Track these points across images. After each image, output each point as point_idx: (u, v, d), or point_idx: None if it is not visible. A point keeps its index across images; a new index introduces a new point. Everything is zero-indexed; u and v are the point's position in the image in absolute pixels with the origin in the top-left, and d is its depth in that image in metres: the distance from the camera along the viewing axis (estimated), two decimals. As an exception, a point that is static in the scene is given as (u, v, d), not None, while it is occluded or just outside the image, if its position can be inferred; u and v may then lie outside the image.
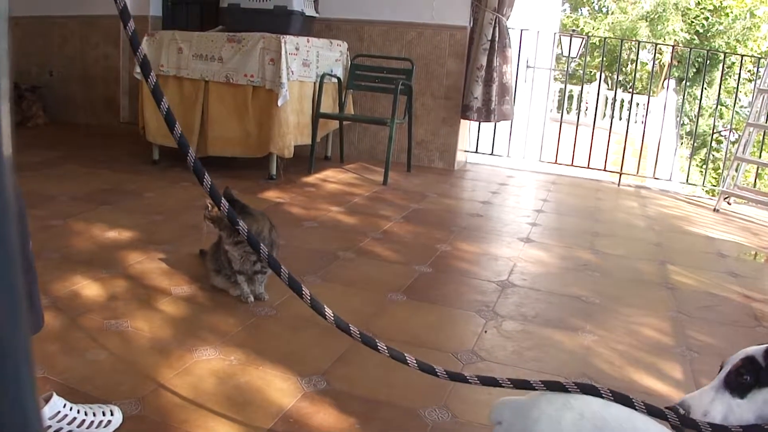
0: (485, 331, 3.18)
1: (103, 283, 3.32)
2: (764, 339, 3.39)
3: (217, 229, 3.17)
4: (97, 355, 2.62)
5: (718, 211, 6.81)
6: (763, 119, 6.90)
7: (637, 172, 8.75)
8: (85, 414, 2.08)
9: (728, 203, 7.10)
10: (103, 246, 3.89)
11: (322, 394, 2.45)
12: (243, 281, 3.22)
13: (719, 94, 10.65)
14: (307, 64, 6.03)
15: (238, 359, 2.66)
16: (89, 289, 3.24)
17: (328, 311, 1.78)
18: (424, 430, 2.32)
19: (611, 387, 1.48)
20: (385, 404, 2.46)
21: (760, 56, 14.67)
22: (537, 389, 1.50)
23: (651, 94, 11.84)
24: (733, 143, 9.63)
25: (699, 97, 15.04)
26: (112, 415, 2.14)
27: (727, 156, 7.82)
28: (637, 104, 16.66)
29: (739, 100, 16.75)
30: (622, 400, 1.43)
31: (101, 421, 2.09)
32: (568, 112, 16.92)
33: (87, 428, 2.06)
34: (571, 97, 18.06)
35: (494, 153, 7.74)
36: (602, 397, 1.43)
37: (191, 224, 4.28)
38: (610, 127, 8.13)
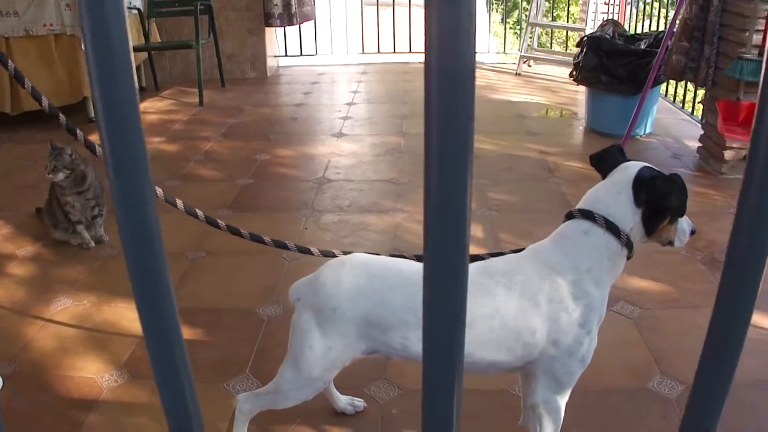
0: (305, 228, 3.64)
1: (-53, 261, 3.48)
2: (557, 188, 4.03)
3: (60, 178, 3.35)
4: (-39, 326, 2.85)
5: (519, 75, 7.42)
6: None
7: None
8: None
9: (529, 65, 7.71)
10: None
11: (170, 313, 2.83)
12: (82, 230, 3.49)
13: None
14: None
15: (91, 302, 2.99)
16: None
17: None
18: (260, 325, 2.78)
19: (418, 255, 1.90)
20: (226, 311, 2.89)
21: None
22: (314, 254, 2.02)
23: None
24: (526, 9, 10.17)
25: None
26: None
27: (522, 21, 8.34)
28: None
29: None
30: (397, 257, 1.92)
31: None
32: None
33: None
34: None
35: (304, 53, 8.04)
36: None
37: (24, 185, 4.39)
38: (409, 6, 8.46)
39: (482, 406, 2.25)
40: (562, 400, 1.75)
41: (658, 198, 1.65)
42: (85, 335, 2.75)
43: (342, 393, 2.25)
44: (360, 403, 2.25)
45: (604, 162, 1.78)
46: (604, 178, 1.77)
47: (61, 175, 3.35)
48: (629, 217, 1.67)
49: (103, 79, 0.51)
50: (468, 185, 0.59)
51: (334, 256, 2.08)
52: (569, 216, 1.75)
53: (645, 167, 1.71)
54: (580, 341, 1.66)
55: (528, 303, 1.65)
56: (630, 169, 1.70)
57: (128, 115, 0.54)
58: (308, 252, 2.29)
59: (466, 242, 0.62)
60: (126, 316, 2.86)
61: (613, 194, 1.69)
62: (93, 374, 2.48)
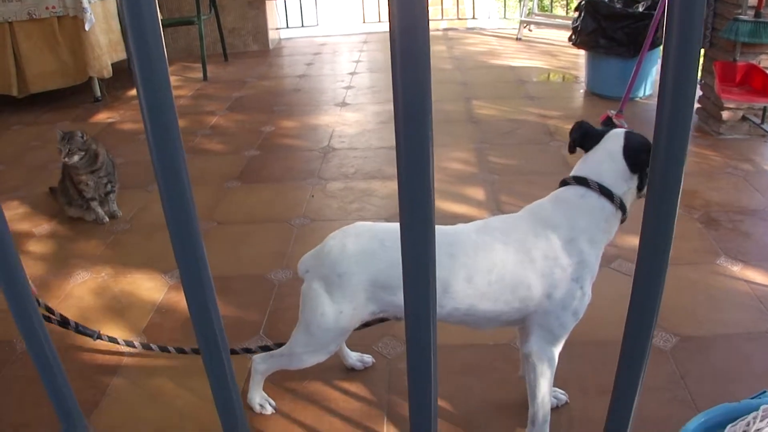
0: (312, 196, 3.74)
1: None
2: (557, 151, 4.11)
3: (75, 160, 3.46)
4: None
5: (520, 39, 7.44)
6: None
7: (457, 15, 8.81)
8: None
9: (530, 30, 7.72)
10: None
11: (185, 282, 2.93)
12: (96, 206, 3.60)
13: None
14: (105, -18, 6.10)
15: (108, 274, 3.10)
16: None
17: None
18: (272, 289, 2.88)
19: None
20: (238, 277, 2.99)
21: None
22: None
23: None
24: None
25: None
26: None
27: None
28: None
29: None
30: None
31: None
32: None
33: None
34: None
35: (305, 25, 8.07)
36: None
37: (36, 165, 4.50)
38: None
39: (483, 360, 2.36)
40: (556, 350, 1.85)
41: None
42: (105, 306, 2.86)
43: (351, 350, 2.36)
44: (369, 359, 2.36)
45: (588, 139, 1.85)
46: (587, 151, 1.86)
47: (76, 158, 3.46)
48: (622, 182, 1.76)
49: (138, 40, 0.63)
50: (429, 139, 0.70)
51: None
52: (563, 183, 1.84)
53: (629, 134, 1.80)
54: (573, 295, 1.76)
55: (524, 258, 1.75)
56: (617, 137, 1.79)
57: (158, 70, 0.65)
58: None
59: (430, 182, 0.73)
60: (143, 286, 2.97)
61: (607, 161, 1.78)
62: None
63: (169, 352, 2.41)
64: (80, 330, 2.46)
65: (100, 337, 2.46)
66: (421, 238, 0.76)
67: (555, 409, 2.08)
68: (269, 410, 2.16)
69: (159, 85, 0.66)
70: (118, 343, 2.48)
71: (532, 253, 1.75)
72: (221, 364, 0.84)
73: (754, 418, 1.39)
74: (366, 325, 1.99)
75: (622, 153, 1.76)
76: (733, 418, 1.42)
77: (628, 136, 1.78)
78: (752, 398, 1.51)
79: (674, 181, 0.76)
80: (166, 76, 0.66)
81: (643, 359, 0.90)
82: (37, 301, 1.83)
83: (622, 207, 1.77)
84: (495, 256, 1.76)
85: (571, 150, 1.90)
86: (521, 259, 1.75)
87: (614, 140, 1.79)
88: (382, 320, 2.01)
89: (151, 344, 2.46)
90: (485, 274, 1.75)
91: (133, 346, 2.48)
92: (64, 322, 2.46)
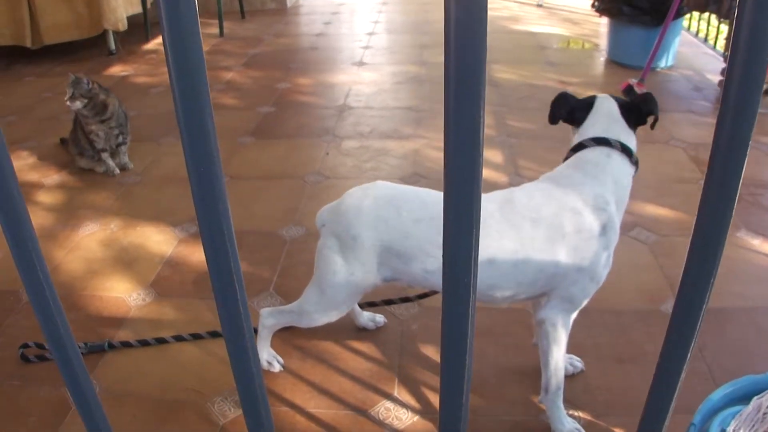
0: (327, 153, 3.68)
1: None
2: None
3: (78, 106, 3.41)
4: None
5: (541, 6, 7.33)
6: None
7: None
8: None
9: (552, -4, 7.60)
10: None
11: (195, 237, 2.91)
12: (107, 157, 3.56)
13: None
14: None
15: (118, 225, 3.07)
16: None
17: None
18: (283, 245, 2.84)
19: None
20: (249, 233, 2.95)
21: None
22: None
23: None
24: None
25: None
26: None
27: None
28: None
29: None
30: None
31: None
32: None
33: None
34: None
35: (324, -18, 7.97)
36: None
37: (47, 116, 4.47)
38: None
39: (497, 324, 2.32)
40: (571, 317, 1.80)
41: (647, 114, 1.80)
42: (113, 258, 2.83)
43: (363, 309, 2.32)
44: (381, 319, 2.32)
45: (576, 112, 1.87)
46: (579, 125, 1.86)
47: (78, 104, 3.40)
48: (631, 139, 1.79)
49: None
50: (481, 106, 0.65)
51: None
52: (579, 147, 1.80)
53: (614, 96, 1.86)
54: (600, 263, 1.71)
55: (555, 234, 1.69)
56: (609, 101, 1.84)
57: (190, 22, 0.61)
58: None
59: (479, 159, 0.67)
60: (152, 238, 2.94)
61: (612, 124, 1.80)
62: (121, 294, 2.57)
63: (174, 341, 2.35)
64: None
65: (111, 345, 2.30)
66: (466, 218, 0.71)
67: (570, 377, 2.04)
68: (277, 368, 2.13)
69: (187, 26, 0.62)
70: (131, 345, 2.34)
71: (564, 229, 1.69)
72: (239, 322, 0.80)
73: (780, 390, 1.35)
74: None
75: (620, 113, 1.80)
76: (758, 390, 1.38)
77: (616, 98, 1.84)
78: (777, 371, 1.46)
79: (737, 164, 0.72)
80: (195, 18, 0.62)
81: (693, 332, 0.86)
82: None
83: (636, 163, 1.78)
84: (523, 236, 1.70)
85: (552, 121, 1.89)
86: (552, 236, 1.69)
87: (608, 103, 1.83)
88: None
89: (147, 339, 2.31)
90: (510, 254, 1.69)
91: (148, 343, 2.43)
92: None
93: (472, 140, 0.66)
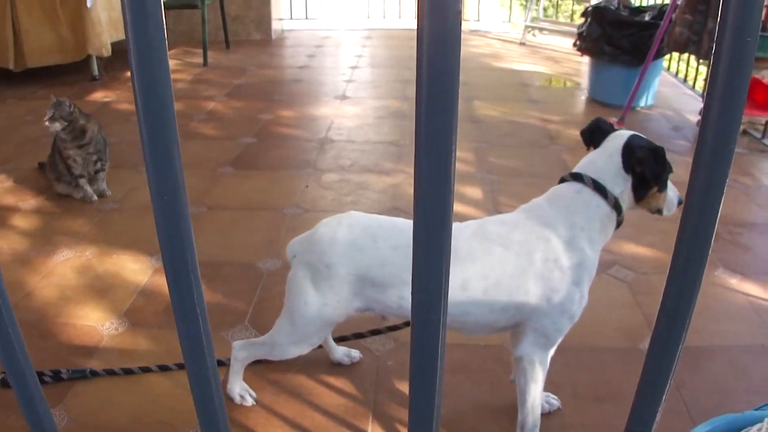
0: (306, 186, 3.66)
1: (-49, 211, 3.49)
2: (557, 155, 4.05)
3: (57, 127, 3.37)
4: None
5: (524, 44, 7.41)
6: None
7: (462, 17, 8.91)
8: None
9: (533, 35, 7.68)
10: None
11: (171, 265, 2.85)
12: (84, 183, 3.52)
13: None
14: (106, -41, 6.00)
15: (93, 253, 3.02)
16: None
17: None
18: (260, 278, 2.81)
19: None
20: (226, 264, 2.92)
21: None
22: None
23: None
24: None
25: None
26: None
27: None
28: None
29: None
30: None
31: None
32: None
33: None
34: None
35: (309, 17, 8.02)
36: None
37: (27, 140, 4.41)
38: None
39: (473, 360, 2.29)
40: (548, 354, 1.79)
41: (641, 165, 1.70)
42: (87, 285, 2.78)
43: (338, 344, 2.29)
44: (356, 354, 2.29)
45: (597, 134, 1.83)
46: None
47: (57, 125, 3.36)
48: (618, 181, 1.73)
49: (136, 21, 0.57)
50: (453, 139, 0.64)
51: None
52: (561, 181, 1.80)
53: (634, 135, 1.76)
54: (571, 299, 1.70)
55: (524, 262, 1.68)
56: (621, 137, 1.76)
57: (158, 54, 0.59)
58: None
59: (450, 190, 0.66)
60: (127, 267, 2.89)
61: (604, 159, 1.75)
62: (94, 323, 2.52)
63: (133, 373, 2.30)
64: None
65: (94, 372, 2.25)
66: (436, 243, 0.70)
67: (546, 415, 2.01)
68: (249, 402, 2.09)
69: (155, 57, 0.60)
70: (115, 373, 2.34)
71: (533, 255, 1.69)
72: (202, 356, 0.78)
73: (759, 429, 1.33)
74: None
75: (621, 151, 1.73)
76: (737, 428, 1.36)
77: (632, 137, 1.75)
78: (756, 409, 1.45)
79: (713, 203, 0.72)
80: (164, 50, 0.60)
81: (670, 370, 0.85)
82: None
83: (616, 207, 1.72)
84: (493, 261, 1.70)
85: (586, 143, 1.87)
86: (521, 263, 1.69)
87: (617, 139, 1.76)
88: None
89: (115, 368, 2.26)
90: (481, 280, 1.69)
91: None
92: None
93: (444, 156, 0.64)
